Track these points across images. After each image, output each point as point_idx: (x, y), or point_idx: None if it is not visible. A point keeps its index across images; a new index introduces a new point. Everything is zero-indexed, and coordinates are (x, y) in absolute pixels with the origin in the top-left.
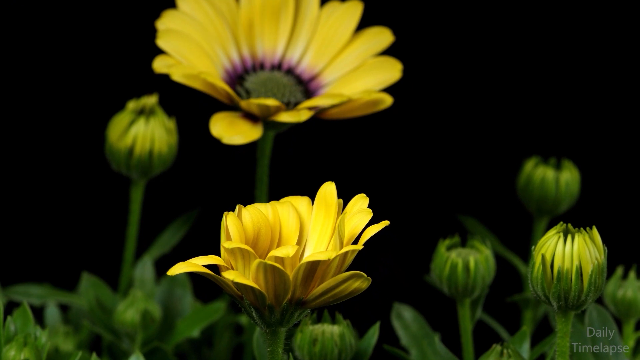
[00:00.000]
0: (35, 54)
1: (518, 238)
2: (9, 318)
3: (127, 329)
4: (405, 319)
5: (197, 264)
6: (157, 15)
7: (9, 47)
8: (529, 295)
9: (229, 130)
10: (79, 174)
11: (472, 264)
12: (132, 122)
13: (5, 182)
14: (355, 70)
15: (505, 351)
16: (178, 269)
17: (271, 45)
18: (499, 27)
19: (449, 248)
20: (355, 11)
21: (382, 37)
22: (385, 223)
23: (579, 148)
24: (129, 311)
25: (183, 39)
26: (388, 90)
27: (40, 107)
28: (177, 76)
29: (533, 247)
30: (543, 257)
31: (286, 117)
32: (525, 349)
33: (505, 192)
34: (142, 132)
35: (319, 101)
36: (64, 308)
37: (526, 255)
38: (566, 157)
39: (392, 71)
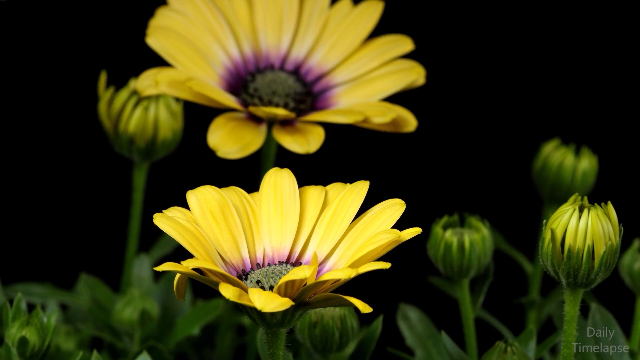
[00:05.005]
0: (33, 37)
1: (524, 236)
2: (18, 296)
3: (125, 328)
4: (411, 320)
5: (187, 265)
6: None
7: (3, 32)
8: (534, 297)
9: (228, 140)
10: (79, 166)
11: (467, 244)
12: (134, 106)
13: (5, 180)
14: (372, 72)
15: (509, 348)
16: (166, 266)
17: (275, 40)
18: (512, 15)
19: (445, 227)
20: (375, 10)
21: (401, 44)
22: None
23: (585, 138)
24: (126, 310)
25: (174, 38)
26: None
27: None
28: (164, 85)
29: (544, 220)
30: (553, 232)
31: (294, 147)
32: (531, 347)
33: (510, 189)
34: (144, 120)
35: (329, 117)
36: (63, 307)
37: (532, 254)
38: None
39: (415, 76)
